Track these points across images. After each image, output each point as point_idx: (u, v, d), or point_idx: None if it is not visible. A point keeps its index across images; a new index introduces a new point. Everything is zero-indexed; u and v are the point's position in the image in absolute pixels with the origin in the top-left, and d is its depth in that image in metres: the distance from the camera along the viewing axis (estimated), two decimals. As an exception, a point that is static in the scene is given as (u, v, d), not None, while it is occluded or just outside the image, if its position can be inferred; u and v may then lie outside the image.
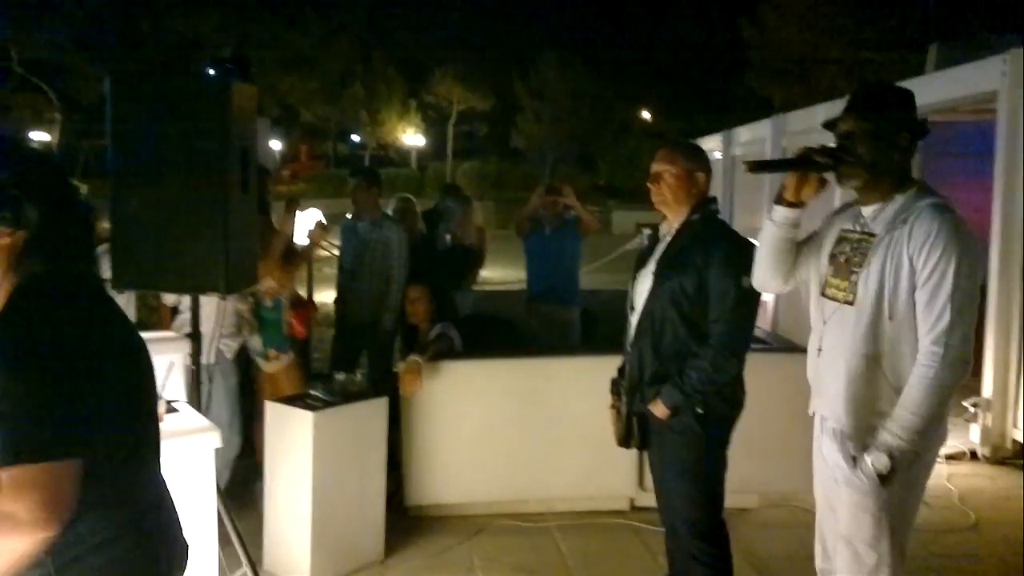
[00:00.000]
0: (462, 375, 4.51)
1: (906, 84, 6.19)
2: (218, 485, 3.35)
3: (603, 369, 3.39)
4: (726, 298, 2.96)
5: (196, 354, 3.66)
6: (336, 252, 6.36)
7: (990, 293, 5.63)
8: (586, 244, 6.46)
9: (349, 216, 6.05)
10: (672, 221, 3.14)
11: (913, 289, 2.42)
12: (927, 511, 4.62)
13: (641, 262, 3.20)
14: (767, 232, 2.68)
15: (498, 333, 5.56)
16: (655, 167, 3.12)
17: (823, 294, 2.65)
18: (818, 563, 2.80)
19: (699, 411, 2.98)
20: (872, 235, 2.52)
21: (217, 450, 4.04)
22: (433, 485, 4.51)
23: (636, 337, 3.12)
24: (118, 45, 32.47)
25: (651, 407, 3.04)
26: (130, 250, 3.27)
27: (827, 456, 2.67)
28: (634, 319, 3.15)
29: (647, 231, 3.40)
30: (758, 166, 2.79)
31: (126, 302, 4.76)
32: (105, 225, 3.61)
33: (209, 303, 3.87)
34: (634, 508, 4.61)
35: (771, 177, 2.81)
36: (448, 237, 6.93)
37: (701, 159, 3.18)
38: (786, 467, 4.21)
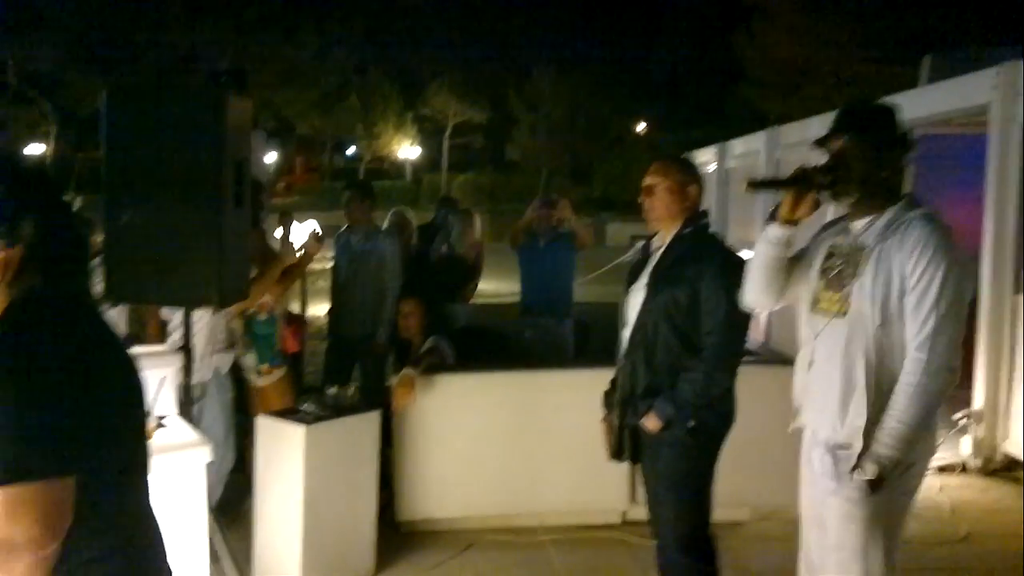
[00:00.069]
0: (455, 389, 4.51)
1: (899, 97, 6.26)
2: (209, 500, 3.35)
3: (596, 382, 3.40)
4: (718, 311, 2.97)
5: (188, 368, 3.66)
6: (329, 265, 6.36)
7: (981, 305, 5.65)
8: (580, 256, 6.48)
9: (343, 229, 6.06)
10: (665, 234, 3.16)
11: (903, 297, 2.45)
12: (918, 523, 4.62)
13: (633, 275, 3.22)
14: (760, 251, 2.69)
15: (491, 346, 5.56)
16: (648, 180, 3.14)
17: (814, 309, 2.66)
18: None
19: (691, 424, 2.98)
20: (863, 247, 2.54)
21: (210, 465, 4.04)
22: (425, 499, 4.50)
23: (628, 350, 3.13)
24: (114, 58, 32.49)
25: (644, 420, 3.05)
26: (123, 263, 3.27)
27: (818, 469, 2.67)
28: (626, 332, 3.15)
29: (641, 243, 3.42)
30: (758, 185, 2.81)
31: (117, 315, 4.75)
32: (98, 238, 3.61)
33: (201, 319, 3.86)
34: (626, 522, 4.60)
35: (765, 192, 2.82)
36: (444, 248, 6.96)
37: (693, 172, 3.20)
38: (778, 480, 4.19)
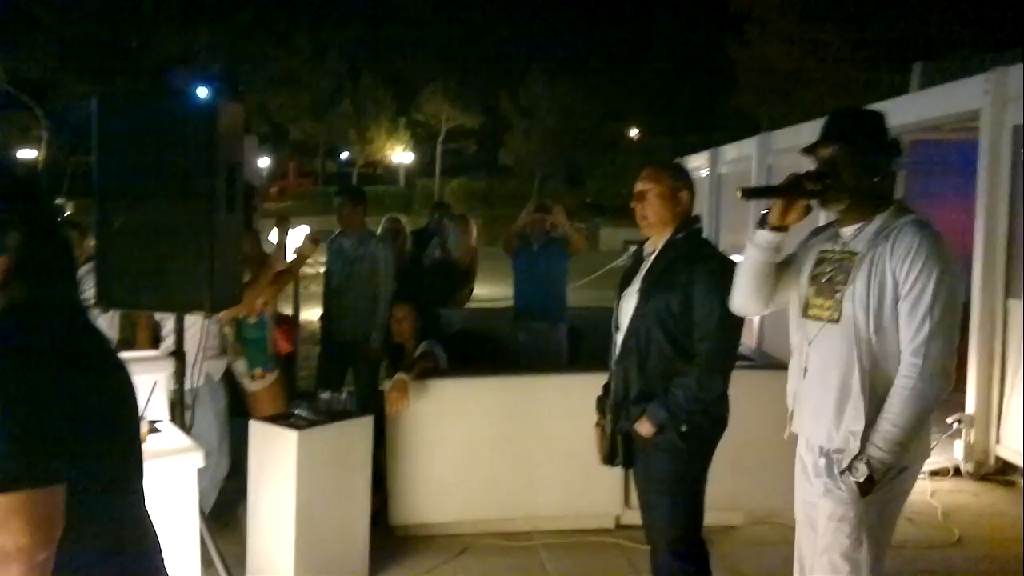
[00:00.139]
0: (448, 393, 4.50)
1: (890, 103, 6.28)
2: (201, 506, 3.34)
3: (589, 387, 3.40)
4: (711, 316, 2.97)
5: (180, 373, 3.65)
6: (322, 269, 6.36)
7: (973, 310, 5.67)
8: (573, 261, 6.48)
9: (336, 234, 6.06)
10: (657, 240, 3.16)
11: (897, 303, 2.46)
12: (911, 527, 4.64)
13: (626, 281, 3.22)
14: (749, 256, 2.70)
15: (485, 350, 5.57)
16: (639, 186, 3.15)
17: (806, 315, 2.67)
18: None
19: (683, 429, 2.99)
20: (853, 253, 2.55)
21: (205, 471, 4.03)
22: (418, 504, 4.50)
23: (621, 356, 3.13)
24: (106, 63, 32.42)
25: (637, 425, 3.05)
26: (115, 268, 3.26)
27: (811, 473, 2.68)
28: (619, 338, 3.16)
29: (633, 248, 3.43)
30: (751, 193, 2.81)
31: (110, 320, 4.73)
32: (91, 243, 3.60)
33: (192, 325, 3.84)
34: (620, 526, 4.61)
35: (755, 199, 2.84)
36: (437, 252, 6.96)
37: (685, 178, 3.21)
38: (772, 484, 4.20)
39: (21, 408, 1.42)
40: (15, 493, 1.39)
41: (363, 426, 4.07)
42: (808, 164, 2.64)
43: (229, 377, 4.61)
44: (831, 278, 2.59)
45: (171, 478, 3.06)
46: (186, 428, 3.65)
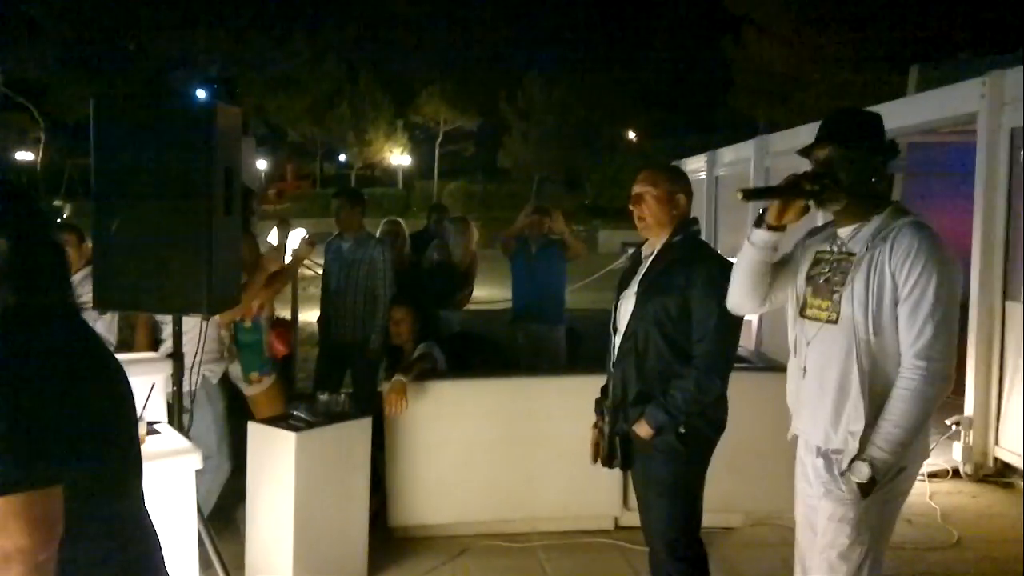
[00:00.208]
0: (446, 395, 4.50)
1: (887, 106, 6.29)
2: (200, 507, 3.33)
3: (588, 388, 3.40)
4: (709, 319, 2.97)
5: (179, 375, 3.65)
6: (320, 271, 6.36)
7: (971, 311, 5.68)
8: (572, 263, 6.49)
9: (334, 235, 6.06)
10: (654, 242, 3.16)
11: (896, 305, 2.46)
12: (910, 528, 4.64)
13: (624, 283, 3.22)
14: (745, 255, 2.71)
15: (483, 352, 5.57)
16: (636, 188, 3.15)
17: (803, 315, 2.67)
18: None
19: (682, 431, 2.99)
20: (851, 254, 2.55)
21: (204, 474, 4.02)
22: (417, 505, 4.49)
23: (619, 358, 3.13)
24: (104, 65, 32.42)
25: (635, 427, 3.05)
26: (113, 270, 3.26)
27: (812, 476, 2.68)
28: (617, 340, 3.16)
29: (631, 250, 3.43)
30: (751, 194, 2.82)
31: (109, 322, 4.73)
32: (90, 245, 3.59)
33: (190, 329, 3.83)
34: (619, 527, 4.61)
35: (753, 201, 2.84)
36: (435, 255, 6.96)
37: (682, 181, 3.21)
38: (771, 486, 4.22)
39: (16, 411, 1.42)
40: (13, 495, 1.40)
41: (361, 428, 4.07)
42: (807, 166, 2.64)
43: (229, 380, 4.60)
44: (828, 279, 2.59)
45: (169, 479, 3.06)
46: (184, 430, 3.65)
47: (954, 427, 5.69)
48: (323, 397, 4.06)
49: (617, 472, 3.43)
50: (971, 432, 5.65)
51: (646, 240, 3.23)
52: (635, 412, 3.05)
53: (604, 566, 4.29)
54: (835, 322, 2.54)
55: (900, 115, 6.22)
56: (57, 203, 31.58)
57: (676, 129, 40.40)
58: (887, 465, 2.45)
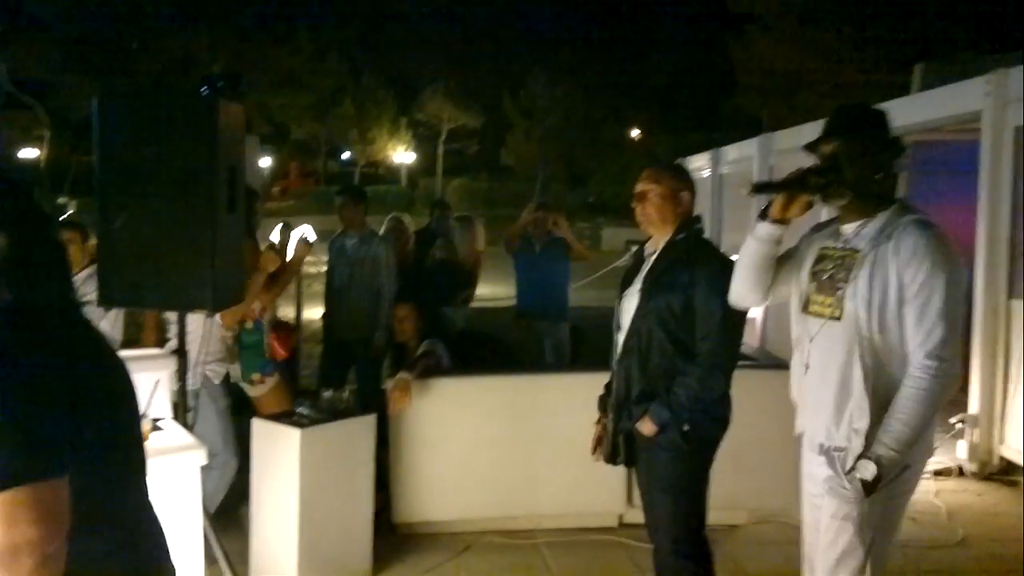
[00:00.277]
0: (450, 392, 4.51)
1: (891, 104, 6.28)
2: (206, 505, 3.34)
3: (592, 386, 3.40)
4: (712, 316, 2.97)
5: (182, 371, 3.65)
6: (323, 268, 6.37)
7: (976, 310, 5.67)
8: (575, 261, 6.49)
9: (338, 233, 6.06)
10: (658, 240, 3.16)
11: (901, 303, 2.45)
12: (915, 527, 4.64)
13: (627, 281, 3.22)
14: (749, 248, 2.71)
15: (487, 350, 5.57)
16: (640, 186, 3.15)
17: (806, 311, 2.67)
18: None
19: (685, 428, 2.99)
20: (855, 251, 2.54)
21: (211, 471, 4.03)
22: (421, 502, 4.50)
23: (623, 355, 3.13)
24: (108, 62, 32.44)
25: (638, 425, 3.05)
26: (117, 267, 3.27)
27: (815, 472, 2.68)
28: (620, 337, 3.16)
29: (635, 248, 3.43)
30: (760, 188, 2.82)
31: (114, 319, 4.73)
32: (94, 242, 3.60)
33: (195, 328, 3.83)
34: (623, 525, 4.61)
35: (758, 196, 2.84)
36: (439, 253, 6.96)
37: (686, 179, 3.21)
38: (775, 483, 4.22)
39: (18, 404, 1.43)
40: (19, 488, 1.40)
41: (365, 424, 4.07)
42: (812, 162, 2.64)
43: (229, 381, 4.59)
44: (832, 275, 2.59)
45: (174, 475, 3.07)
46: (189, 427, 3.66)
47: (959, 425, 5.68)
48: (327, 394, 4.06)
49: (621, 469, 3.43)
50: (976, 430, 5.64)
51: (650, 238, 3.23)
52: (639, 409, 3.05)
53: (608, 563, 4.29)
54: (838, 319, 2.54)
55: (904, 113, 6.21)
56: (62, 200, 31.63)
57: (680, 127, 40.34)
58: (893, 463, 2.45)
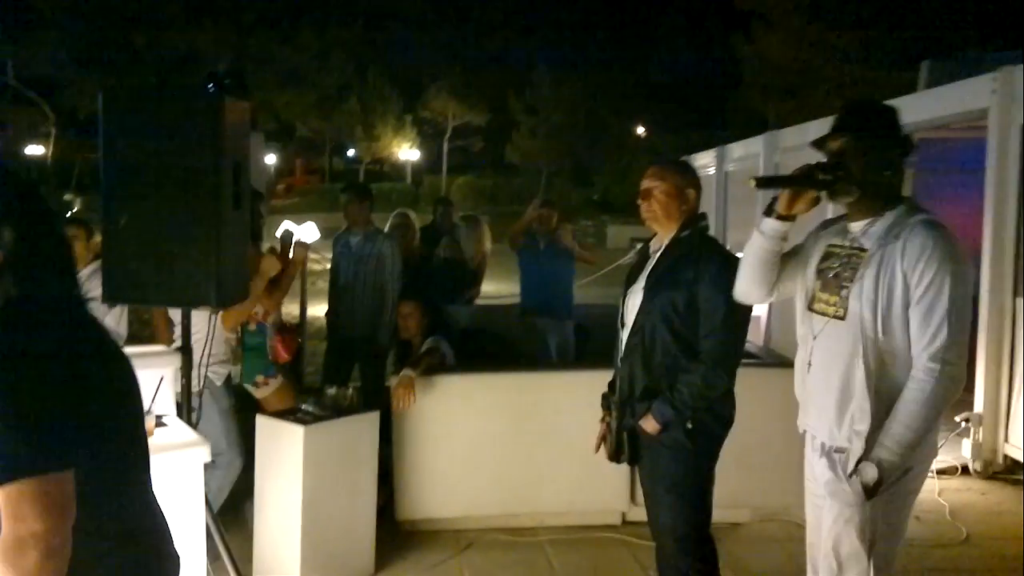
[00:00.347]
0: (454, 389, 4.51)
1: (898, 101, 6.27)
2: (210, 501, 3.34)
3: (595, 383, 3.39)
4: (716, 314, 2.97)
5: (187, 368, 3.65)
6: (328, 266, 6.37)
7: (981, 308, 5.65)
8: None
9: (342, 230, 6.06)
10: (663, 237, 3.16)
11: (907, 305, 2.42)
12: (919, 525, 4.63)
13: (631, 278, 3.21)
14: (754, 243, 2.70)
15: (491, 347, 5.57)
16: (645, 183, 3.14)
17: (811, 309, 2.65)
18: None
19: (689, 426, 2.98)
20: (863, 250, 2.52)
21: (216, 469, 4.02)
22: (424, 499, 4.50)
23: (626, 353, 3.13)
24: (113, 59, 32.50)
25: (642, 422, 3.04)
26: (121, 264, 3.27)
27: (817, 473, 2.66)
28: (624, 334, 3.15)
29: (640, 245, 3.42)
30: (765, 182, 2.80)
31: (119, 316, 4.74)
32: (99, 240, 3.60)
33: (198, 330, 3.82)
34: (626, 522, 4.61)
35: (764, 193, 2.82)
36: (443, 253, 6.96)
37: (691, 176, 3.20)
38: (778, 482, 4.22)
39: (23, 398, 1.44)
40: (24, 481, 1.41)
41: (369, 421, 4.08)
42: (819, 159, 2.62)
43: (231, 381, 4.58)
44: (838, 274, 2.56)
45: (178, 472, 3.07)
46: (193, 424, 3.66)
47: (964, 424, 5.67)
48: (331, 391, 4.06)
49: (624, 467, 3.42)
50: (981, 429, 5.63)
51: (654, 235, 3.22)
52: (642, 407, 3.05)
53: (611, 561, 4.29)
54: (842, 318, 2.51)
55: (911, 111, 6.18)
56: (68, 197, 31.71)
57: (685, 124, 40.30)
58: (894, 467, 2.42)
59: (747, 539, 4.52)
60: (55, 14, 32.35)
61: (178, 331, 4.31)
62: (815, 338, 2.63)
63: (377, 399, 4.46)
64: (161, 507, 1.78)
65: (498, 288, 11.38)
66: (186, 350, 3.65)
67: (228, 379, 4.43)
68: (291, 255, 4.70)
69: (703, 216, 3.20)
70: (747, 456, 3.85)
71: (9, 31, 31.19)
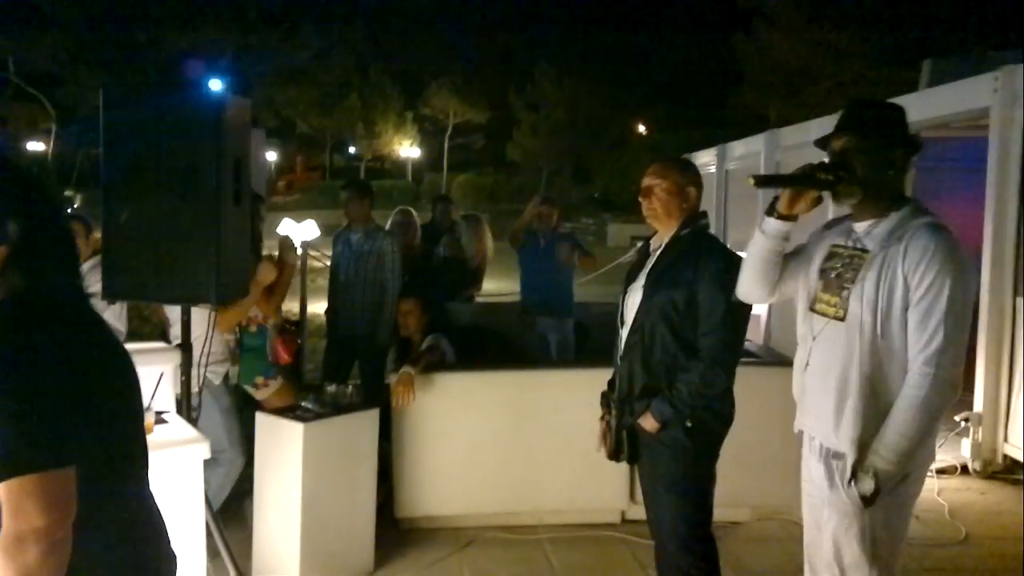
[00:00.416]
0: (454, 387, 4.51)
1: (899, 100, 6.25)
2: (209, 498, 3.34)
3: (595, 381, 3.39)
4: (715, 312, 2.96)
5: (187, 364, 3.65)
6: (328, 263, 6.36)
7: (981, 308, 5.65)
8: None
9: (343, 227, 6.06)
10: (663, 235, 3.15)
11: (906, 308, 2.39)
12: (918, 524, 4.62)
13: (631, 276, 3.21)
14: (756, 243, 2.68)
15: (491, 345, 5.57)
16: (646, 181, 3.13)
17: (812, 309, 2.63)
18: None
19: (688, 425, 2.98)
20: (865, 251, 2.49)
21: (218, 468, 4.02)
22: (424, 497, 4.50)
23: (626, 351, 3.12)
24: (114, 56, 32.50)
25: (641, 421, 3.04)
26: (122, 260, 3.27)
27: (814, 476, 2.65)
28: (624, 333, 3.15)
29: (640, 244, 3.41)
30: (763, 181, 2.78)
31: (119, 312, 4.74)
32: (98, 236, 3.59)
33: (196, 329, 3.81)
34: (625, 521, 4.61)
35: (765, 192, 2.81)
36: (443, 251, 6.96)
37: (692, 174, 3.19)
38: (778, 481, 4.21)
39: (26, 394, 1.44)
40: (27, 476, 1.41)
41: (369, 419, 4.07)
42: (820, 158, 2.60)
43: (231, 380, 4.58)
44: (840, 274, 2.54)
45: (178, 469, 3.07)
46: (193, 421, 3.66)
47: (963, 423, 5.67)
48: (331, 388, 4.06)
49: (624, 466, 3.42)
50: (980, 429, 5.62)
51: (655, 233, 3.22)
52: (641, 405, 3.04)
53: (610, 559, 4.29)
54: (842, 319, 2.49)
55: (912, 109, 6.12)
56: (68, 193, 31.72)
57: (686, 123, 40.27)
58: (891, 475, 2.39)
59: (747, 538, 4.52)
60: (56, 10, 32.35)
61: (174, 330, 4.32)
62: (815, 339, 2.60)
63: (377, 396, 4.46)
64: (158, 506, 1.77)
65: (498, 286, 11.38)
66: (186, 347, 3.65)
67: (226, 378, 4.42)
68: (286, 260, 4.69)
69: (704, 214, 3.19)
70: (747, 455, 3.85)
71: (10, 27, 31.19)
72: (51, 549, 1.42)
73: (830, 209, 2.78)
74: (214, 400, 4.25)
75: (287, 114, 42.21)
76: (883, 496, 2.40)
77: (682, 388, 2.97)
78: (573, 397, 4.28)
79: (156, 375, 3.37)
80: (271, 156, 35.27)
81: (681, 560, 3.07)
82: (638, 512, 4.13)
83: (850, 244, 2.56)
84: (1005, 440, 5.60)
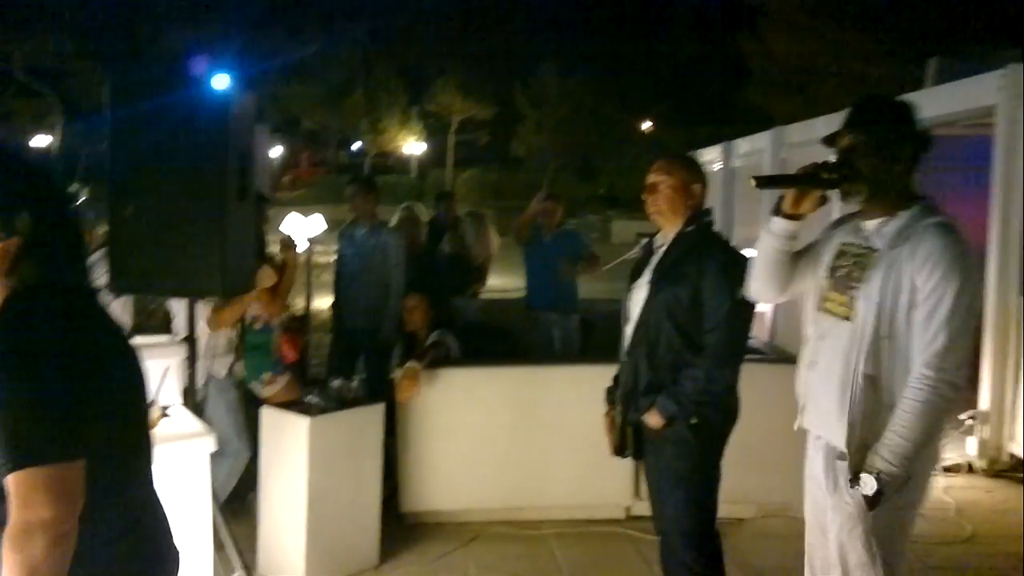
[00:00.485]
0: (459, 382, 4.51)
1: (905, 98, 6.23)
2: (215, 491, 3.35)
3: (600, 378, 3.40)
4: (720, 309, 2.96)
5: (192, 358, 3.66)
6: (334, 258, 6.37)
7: (987, 306, 5.63)
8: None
9: (348, 223, 6.06)
10: (668, 232, 3.15)
11: (912, 308, 2.37)
12: (923, 522, 4.61)
13: (636, 272, 3.21)
14: (764, 243, 2.66)
15: (496, 341, 5.57)
16: (651, 178, 3.13)
17: (820, 308, 2.61)
18: None
19: (693, 421, 2.98)
20: (873, 249, 2.47)
21: (224, 460, 4.03)
22: (429, 491, 4.51)
23: (631, 347, 3.13)
24: (119, 50, 32.53)
25: (645, 417, 3.04)
26: (127, 254, 3.28)
27: (817, 476, 2.64)
28: (629, 329, 3.15)
29: (645, 240, 3.41)
30: (765, 181, 2.77)
31: (123, 306, 4.75)
32: (101, 230, 3.60)
33: (202, 321, 3.82)
34: (630, 517, 4.61)
35: (770, 190, 2.80)
36: (446, 248, 6.96)
37: (697, 171, 3.19)
38: (783, 477, 4.19)
39: (36, 387, 1.44)
40: (36, 468, 1.42)
41: (374, 413, 4.08)
42: (824, 156, 2.59)
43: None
44: (848, 273, 2.52)
45: (183, 462, 3.08)
46: (199, 414, 3.67)
47: (969, 422, 5.66)
48: (336, 383, 4.07)
49: (628, 461, 3.42)
50: (986, 427, 5.62)
51: (660, 230, 3.21)
52: (646, 402, 3.05)
53: (615, 555, 4.30)
54: (849, 318, 2.47)
55: (917, 107, 6.16)
56: (73, 188, 31.74)
57: (691, 120, 40.18)
58: (893, 478, 2.36)
59: (751, 535, 4.52)
60: (60, 4, 32.38)
61: (176, 323, 4.33)
62: (821, 338, 2.59)
63: (382, 391, 4.47)
64: (161, 502, 1.78)
65: (503, 282, 11.38)
66: (191, 340, 3.66)
67: (231, 371, 4.43)
68: (287, 260, 4.70)
69: (708, 211, 3.19)
70: (751, 452, 3.84)
71: (15, 21, 31.22)
72: (57, 541, 1.43)
73: (835, 208, 2.77)
74: (219, 393, 4.26)
75: (292, 110, 42.22)
76: (886, 497, 2.38)
77: (687, 384, 2.97)
78: (578, 393, 4.28)
79: (161, 368, 3.38)
80: (276, 151, 35.29)
81: (686, 556, 3.07)
82: (643, 508, 4.13)
83: (859, 242, 2.53)
84: (1011, 438, 5.58)
